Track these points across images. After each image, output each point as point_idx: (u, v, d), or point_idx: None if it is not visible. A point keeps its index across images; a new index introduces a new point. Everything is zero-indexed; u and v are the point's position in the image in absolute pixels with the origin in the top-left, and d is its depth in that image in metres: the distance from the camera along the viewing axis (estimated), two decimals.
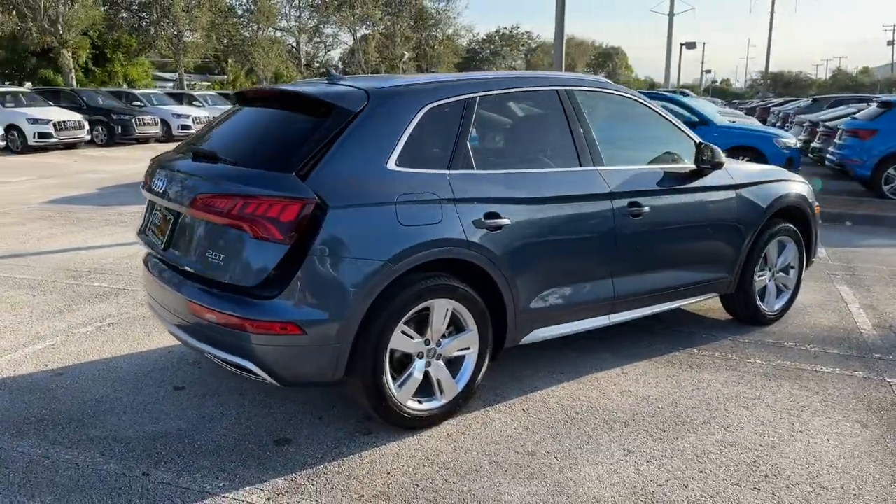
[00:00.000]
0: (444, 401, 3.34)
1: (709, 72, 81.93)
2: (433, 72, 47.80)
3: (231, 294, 2.96)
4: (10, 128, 17.41)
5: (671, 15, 40.61)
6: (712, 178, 4.27)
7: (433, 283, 3.15)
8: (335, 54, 52.11)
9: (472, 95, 3.46)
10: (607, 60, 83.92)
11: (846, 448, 3.19)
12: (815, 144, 13.77)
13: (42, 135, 17.69)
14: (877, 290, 5.87)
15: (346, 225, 2.94)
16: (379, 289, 2.99)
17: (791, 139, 11.24)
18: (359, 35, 46.54)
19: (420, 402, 3.28)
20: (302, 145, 3.05)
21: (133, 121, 20.52)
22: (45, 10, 27.40)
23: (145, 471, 2.92)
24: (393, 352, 3.14)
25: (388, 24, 47.55)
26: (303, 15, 44.41)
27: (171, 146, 4.33)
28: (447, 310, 3.24)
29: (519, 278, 3.42)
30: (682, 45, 43.91)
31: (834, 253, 7.29)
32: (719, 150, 4.22)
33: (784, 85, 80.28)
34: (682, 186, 4.15)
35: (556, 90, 3.82)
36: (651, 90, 32.70)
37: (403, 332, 3.14)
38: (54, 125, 17.92)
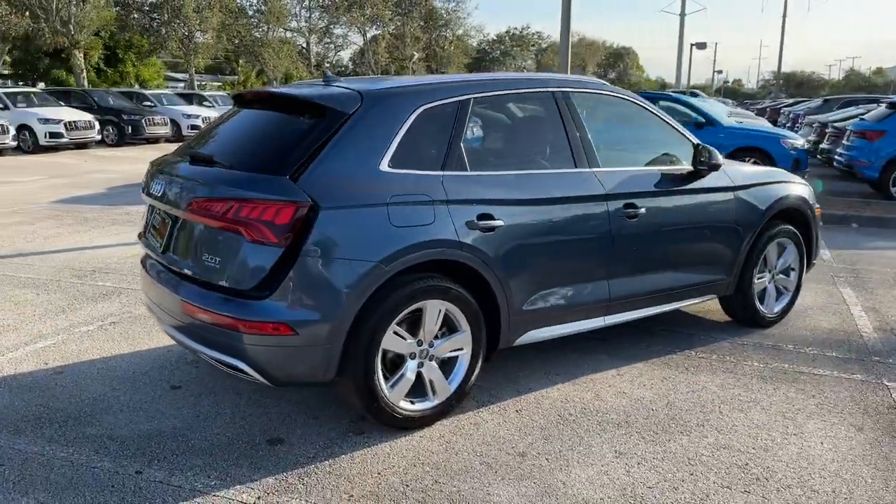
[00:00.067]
0: (436, 401, 3.35)
1: (720, 72, 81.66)
2: (443, 72, 47.83)
3: (224, 294, 2.99)
4: (21, 128, 17.57)
5: (682, 15, 40.48)
6: (710, 180, 4.26)
7: (425, 284, 3.16)
8: (345, 55, 52.34)
9: (466, 97, 3.47)
10: (618, 60, 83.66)
11: (840, 451, 3.18)
12: (823, 146, 13.68)
13: (53, 135, 17.85)
14: (880, 292, 5.83)
15: (338, 226, 2.96)
16: (370, 290, 3.00)
17: (798, 140, 11.18)
18: (369, 35, 46.67)
19: (413, 402, 3.30)
20: (296, 148, 3.08)
21: (143, 121, 20.67)
22: (57, 11, 27.60)
23: (138, 469, 2.95)
24: (385, 352, 3.16)
25: (399, 24, 47.61)
26: (313, 15, 44.55)
27: None
28: (440, 311, 3.26)
29: (512, 279, 3.43)
30: (692, 45, 43.76)
31: (839, 255, 7.25)
32: (716, 151, 4.21)
33: (796, 85, 79.85)
34: (679, 188, 4.14)
35: (552, 92, 3.83)
36: (662, 90, 32.65)
37: (396, 333, 3.15)
38: (65, 125, 18.09)
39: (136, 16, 36.26)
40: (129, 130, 20.43)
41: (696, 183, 4.21)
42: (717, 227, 4.33)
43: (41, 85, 33.32)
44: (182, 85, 43.56)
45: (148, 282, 3.53)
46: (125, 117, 20.45)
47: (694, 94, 21.48)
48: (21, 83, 34.96)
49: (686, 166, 4.22)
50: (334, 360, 3.00)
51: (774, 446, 3.21)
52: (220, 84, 49.89)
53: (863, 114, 13.13)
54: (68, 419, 3.39)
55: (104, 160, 16.45)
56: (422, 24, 49.67)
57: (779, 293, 4.92)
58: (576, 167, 3.76)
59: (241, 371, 2.99)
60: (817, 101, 23.44)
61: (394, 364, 3.24)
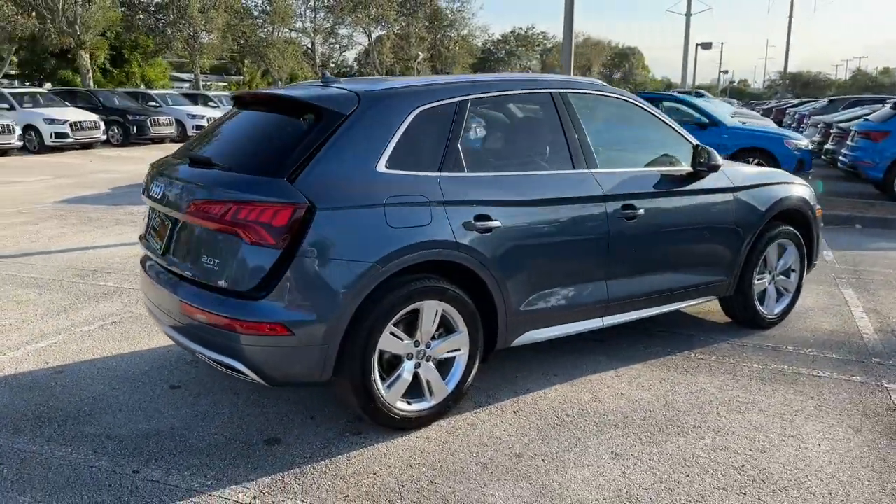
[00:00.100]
0: (433, 402, 3.35)
1: (726, 72, 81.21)
2: (448, 72, 47.84)
3: (221, 295, 3.00)
4: (27, 128, 17.67)
5: (688, 15, 40.43)
6: (709, 181, 4.26)
7: (422, 285, 3.17)
8: (350, 55, 52.40)
9: (463, 98, 3.47)
10: (623, 61, 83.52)
11: (837, 453, 3.17)
12: (828, 146, 13.65)
13: (59, 135, 17.94)
14: (882, 293, 5.81)
15: (335, 227, 2.97)
16: (367, 290, 3.01)
17: (802, 140, 11.15)
18: (374, 36, 46.70)
19: (409, 402, 3.30)
20: (293, 149, 3.08)
21: (148, 121, 20.77)
22: (63, 12, 27.73)
23: (136, 468, 2.96)
24: (382, 353, 3.16)
25: (403, 24, 47.64)
26: (318, 16, 44.62)
27: None
28: (437, 311, 3.26)
29: (510, 280, 3.43)
30: (698, 45, 43.67)
31: (841, 256, 7.23)
32: (716, 152, 4.20)
33: (803, 85, 79.58)
34: (678, 189, 4.14)
35: (550, 93, 3.83)
36: (668, 90, 32.60)
37: (392, 334, 3.16)
38: (71, 125, 18.17)
39: (141, 16, 36.38)
40: (135, 130, 20.53)
41: (695, 184, 4.20)
42: (717, 228, 4.32)
43: (48, 85, 33.43)
44: (187, 85, 43.72)
45: (147, 283, 3.54)
46: (130, 117, 20.56)
47: (699, 95, 21.46)
48: (28, 83, 35.12)
49: (685, 167, 4.21)
50: (331, 361, 3.01)
51: (772, 448, 3.20)
52: (225, 84, 50.00)
53: (868, 114, 13.08)
54: (67, 418, 3.41)
55: (109, 160, 16.51)
56: (427, 24, 49.69)
57: (779, 294, 4.91)
58: (574, 168, 3.76)
59: (238, 371, 3.00)
60: (823, 102, 23.36)
61: (391, 364, 3.25)
